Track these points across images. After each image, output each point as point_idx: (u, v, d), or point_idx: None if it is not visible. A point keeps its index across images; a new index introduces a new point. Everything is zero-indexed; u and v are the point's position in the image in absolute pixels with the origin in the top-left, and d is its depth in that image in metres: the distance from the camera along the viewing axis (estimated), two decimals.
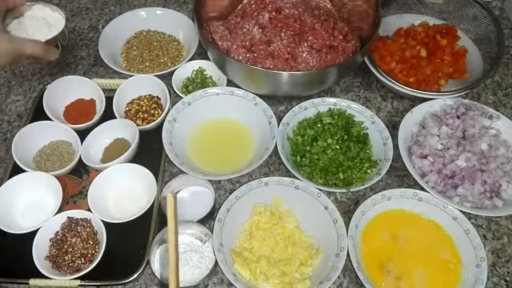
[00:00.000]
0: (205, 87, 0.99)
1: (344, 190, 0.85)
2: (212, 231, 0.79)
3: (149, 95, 1.01)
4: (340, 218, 0.80)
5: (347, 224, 0.80)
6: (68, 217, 0.81)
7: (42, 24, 0.92)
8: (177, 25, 1.16)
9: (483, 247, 0.78)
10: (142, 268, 0.78)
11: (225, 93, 0.98)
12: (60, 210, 0.82)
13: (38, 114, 0.98)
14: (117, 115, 0.95)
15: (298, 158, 0.90)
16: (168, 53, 1.12)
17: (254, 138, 0.96)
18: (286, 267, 0.77)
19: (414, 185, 0.88)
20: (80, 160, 0.89)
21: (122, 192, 0.87)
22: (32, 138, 0.92)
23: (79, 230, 0.80)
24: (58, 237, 0.80)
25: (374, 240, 0.82)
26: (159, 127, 0.92)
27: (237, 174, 0.85)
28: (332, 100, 0.97)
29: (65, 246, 0.78)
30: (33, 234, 0.78)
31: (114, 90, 0.99)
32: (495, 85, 1.08)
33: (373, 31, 0.95)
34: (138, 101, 0.99)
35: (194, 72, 1.05)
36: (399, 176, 0.92)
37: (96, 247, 0.80)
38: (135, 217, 0.80)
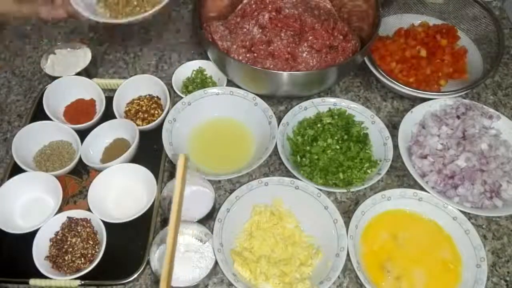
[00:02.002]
0: (205, 87, 0.99)
1: (344, 190, 0.85)
2: (212, 231, 0.79)
3: (149, 95, 1.01)
4: (340, 218, 0.80)
5: (347, 224, 0.80)
6: (68, 217, 0.81)
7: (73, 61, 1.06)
8: None
9: (483, 247, 0.78)
10: (142, 268, 0.78)
11: (225, 93, 0.98)
12: (60, 210, 0.82)
13: (38, 114, 0.98)
14: (117, 115, 0.95)
15: (298, 158, 0.90)
16: None
17: (254, 138, 0.96)
18: (286, 267, 0.77)
19: (414, 185, 0.88)
20: (80, 160, 0.89)
21: (122, 192, 0.87)
22: (32, 138, 0.92)
23: (79, 230, 0.80)
24: (58, 237, 0.80)
25: (374, 240, 0.82)
26: (159, 127, 0.92)
27: (237, 174, 0.85)
28: (332, 100, 0.97)
29: (65, 246, 0.78)
30: (33, 234, 0.78)
31: (114, 90, 0.99)
32: (495, 85, 1.08)
33: (373, 31, 0.95)
34: (138, 101, 1.00)
35: (194, 72, 1.05)
36: (399, 176, 0.92)
37: (96, 247, 0.80)
38: (135, 217, 0.80)
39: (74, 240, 0.79)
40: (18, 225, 0.83)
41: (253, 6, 1.03)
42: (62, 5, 0.95)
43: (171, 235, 0.63)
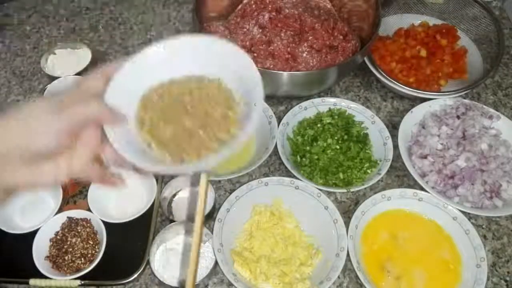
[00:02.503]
0: None
1: (344, 190, 0.85)
2: (212, 231, 0.79)
3: None
4: (340, 218, 0.80)
5: (347, 224, 0.80)
6: (68, 217, 0.81)
7: (73, 60, 1.06)
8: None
9: (483, 247, 0.78)
10: (142, 268, 0.78)
11: None
12: (60, 210, 0.82)
13: None
14: None
15: (298, 158, 0.90)
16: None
17: (254, 138, 0.96)
18: (286, 267, 0.77)
19: (414, 185, 0.88)
20: None
21: (122, 192, 0.87)
22: None
23: (79, 230, 0.80)
24: (58, 237, 0.80)
25: (374, 240, 0.81)
26: None
27: (237, 174, 0.85)
28: (332, 100, 0.97)
29: (65, 246, 0.78)
30: (33, 234, 0.78)
31: None
32: (495, 85, 1.08)
33: (373, 31, 0.95)
34: None
35: None
36: (399, 176, 0.92)
37: (96, 247, 0.80)
38: (135, 217, 0.80)
39: (74, 240, 0.79)
40: (18, 225, 0.83)
41: (253, 6, 1.03)
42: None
43: (194, 252, 0.55)
